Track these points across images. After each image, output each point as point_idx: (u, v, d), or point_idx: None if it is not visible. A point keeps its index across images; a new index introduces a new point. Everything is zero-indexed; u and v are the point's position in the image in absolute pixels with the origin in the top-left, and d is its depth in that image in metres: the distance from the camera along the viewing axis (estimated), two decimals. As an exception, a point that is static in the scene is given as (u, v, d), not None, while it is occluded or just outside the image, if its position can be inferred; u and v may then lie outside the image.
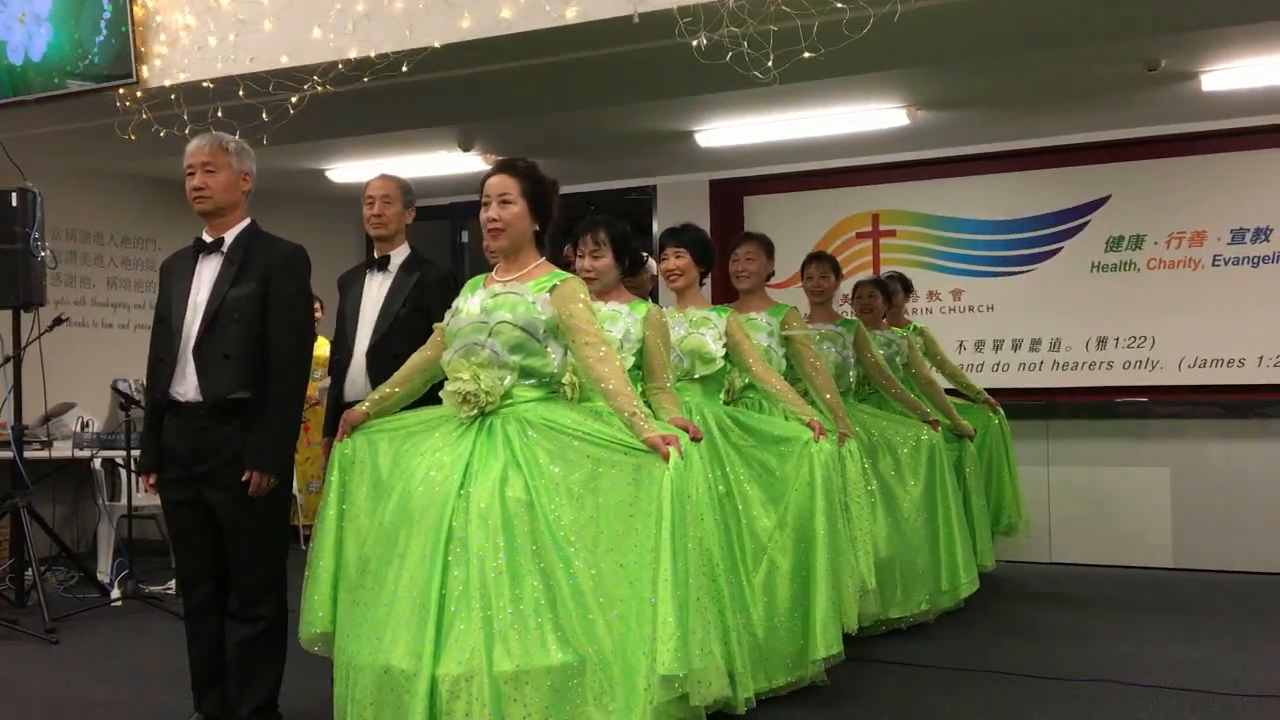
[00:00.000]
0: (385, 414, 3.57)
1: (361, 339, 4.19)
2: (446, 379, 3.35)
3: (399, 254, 4.30)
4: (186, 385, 3.62)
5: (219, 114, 5.52)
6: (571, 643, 2.94)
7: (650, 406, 3.70)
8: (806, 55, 4.42)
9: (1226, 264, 7.44)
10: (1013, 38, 5.30)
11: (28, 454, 6.29)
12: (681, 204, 8.75)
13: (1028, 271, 7.93)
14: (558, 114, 6.72)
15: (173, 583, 6.15)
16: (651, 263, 4.90)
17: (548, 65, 5.34)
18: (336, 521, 3.47)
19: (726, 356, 4.32)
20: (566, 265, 3.95)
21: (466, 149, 7.68)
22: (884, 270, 7.52)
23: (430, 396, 3.62)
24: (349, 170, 8.36)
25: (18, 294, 5.93)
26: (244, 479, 3.56)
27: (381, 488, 3.36)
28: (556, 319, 3.30)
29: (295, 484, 7.78)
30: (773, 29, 4.38)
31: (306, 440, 7.94)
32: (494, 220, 3.37)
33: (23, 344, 6.04)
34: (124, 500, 6.53)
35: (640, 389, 3.78)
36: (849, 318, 5.74)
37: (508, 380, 3.28)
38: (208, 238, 3.76)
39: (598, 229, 4.03)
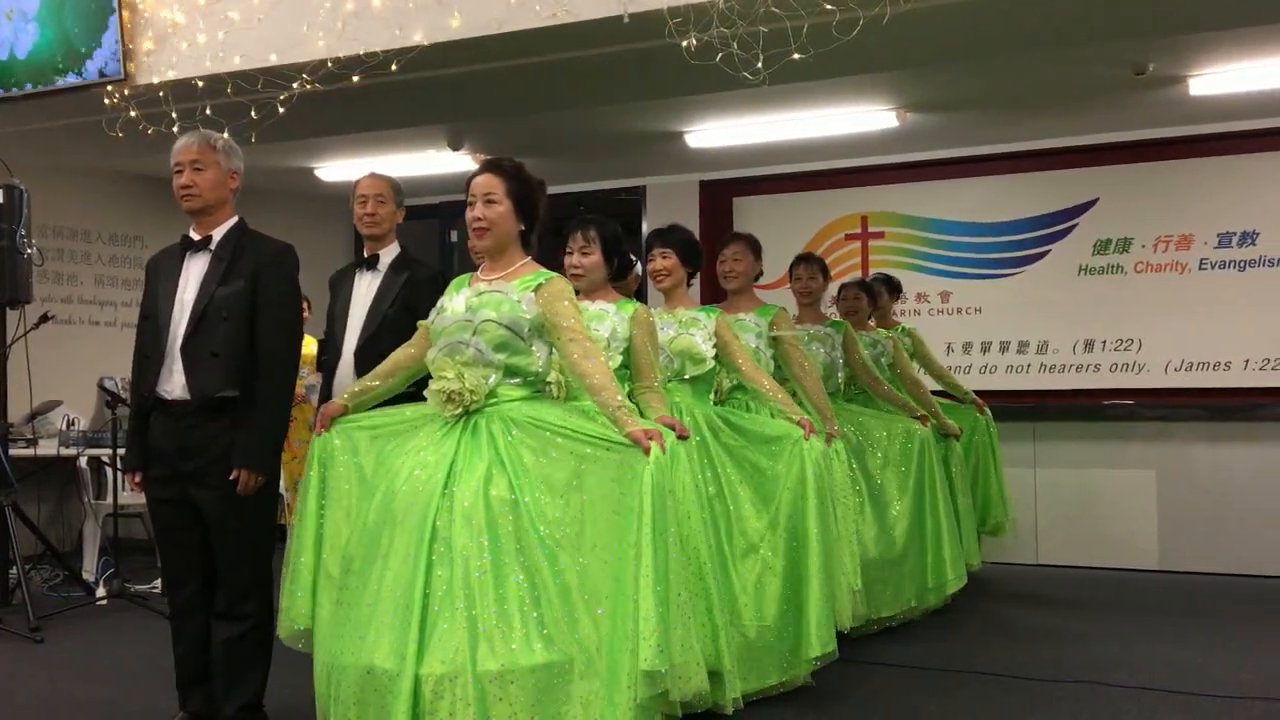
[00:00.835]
0: (363, 408, 3.55)
1: (350, 338, 4.19)
2: (430, 377, 3.34)
3: (389, 253, 4.30)
4: (173, 383, 3.61)
5: (207, 112, 5.51)
6: (556, 641, 2.94)
7: (638, 406, 3.70)
8: (796, 57, 4.43)
9: (1213, 267, 7.47)
10: (1002, 41, 5.31)
11: (13, 452, 6.27)
12: (671, 205, 8.75)
13: (1016, 274, 7.95)
14: (547, 114, 6.72)
15: (158, 582, 6.14)
16: (638, 266, 4.91)
17: (537, 65, 5.34)
18: (316, 518, 3.45)
19: (716, 357, 4.32)
20: (560, 268, 3.95)
21: (456, 148, 7.67)
22: (872, 272, 7.53)
23: (409, 394, 3.63)
24: (338, 169, 8.34)
25: (4, 291, 5.91)
26: (231, 477, 3.55)
27: (365, 486, 3.35)
28: (542, 317, 3.30)
29: (283, 483, 7.80)
30: (762, 30, 4.38)
31: (290, 440, 7.93)
32: (479, 219, 3.38)
33: (9, 341, 6.02)
34: (110, 499, 6.50)
35: (627, 389, 3.78)
36: (837, 319, 5.76)
37: (492, 379, 3.27)
38: (195, 235, 3.75)
39: (588, 226, 4.03)
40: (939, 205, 8.15)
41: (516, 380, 3.32)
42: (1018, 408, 6.94)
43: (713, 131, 7.27)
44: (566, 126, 7.18)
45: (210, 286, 3.63)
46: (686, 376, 4.27)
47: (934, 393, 6.26)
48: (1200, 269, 7.50)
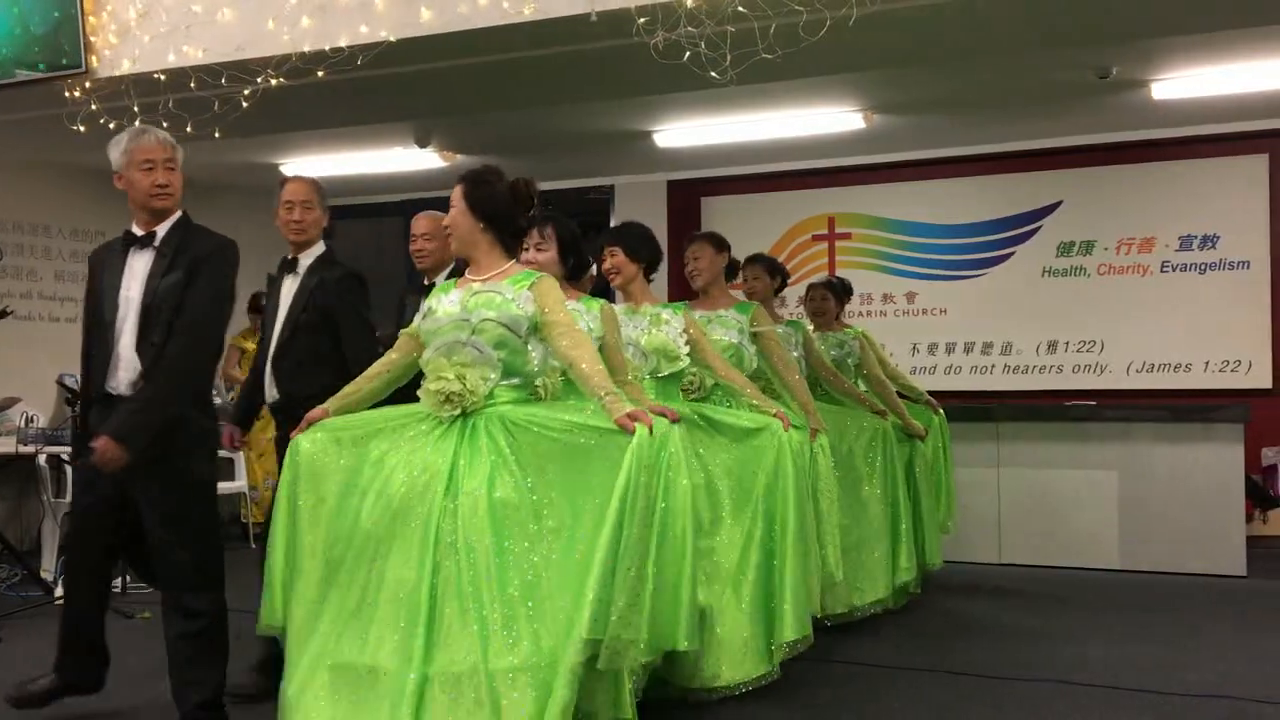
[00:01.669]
0: (344, 413, 3.52)
1: (271, 343, 4.23)
2: (423, 379, 3.35)
3: (309, 256, 4.30)
4: (119, 379, 3.61)
5: (170, 105, 5.45)
6: (560, 636, 2.98)
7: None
8: (764, 57, 4.43)
9: (1175, 270, 7.56)
10: (967, 44, 5.35)
11: (-30, 449, 6.17)
12: (639, 204, 8.75)
13: (980, 275, 8.02)
14: (516, 112, 6.70)
15: (118, 581, 6.07)
16: (594, 268, 4.90)
17: (505, 62, 5.32)
18: (290, 516, 3.42)
19: (689, 355, 4.32)
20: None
21: (423, 145, 7.63)
22: (838, 273, 7.57)
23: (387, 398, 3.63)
24: (303, 165, 8.27)
25: (-39, 286, 5.82)
26: (92, 444, 3.52)
27: (349, 486, 3.33)
28: (537, 315, 3.34)
29: (248, 480, 7.73)
30: (730, 30, 4.39)
31: (260, 438, 7.86)
32: (445, 226, 3.53)
33: (-34, 337, 5.93)
34: (69, 497, 6.41)
35: None
36: (794, 319, 5.83)
37: (492, 378, 3.30)
38: (139, 231, 3.73)
39: (546, 223, 4.03)
40: (905, 207, 8.20)
41: (513, 381, 3.35)
42: (981, 408, 6.99)
43: (681, 131, 7.27)
44: (535, 125, 7.16)
45: (154, 282, 3.63)
46: (663, 374, 4.26)
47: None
48: (1162, 271, 7.59)
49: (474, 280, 3.44)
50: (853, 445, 5.34)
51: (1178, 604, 5.81)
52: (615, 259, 4.40)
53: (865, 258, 8.31)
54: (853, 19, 4.32)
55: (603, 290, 4.91)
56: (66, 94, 5.57)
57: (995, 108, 6.87)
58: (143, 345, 3.59)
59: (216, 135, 5.65)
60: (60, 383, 6.80)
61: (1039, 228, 7.87)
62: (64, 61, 5.46)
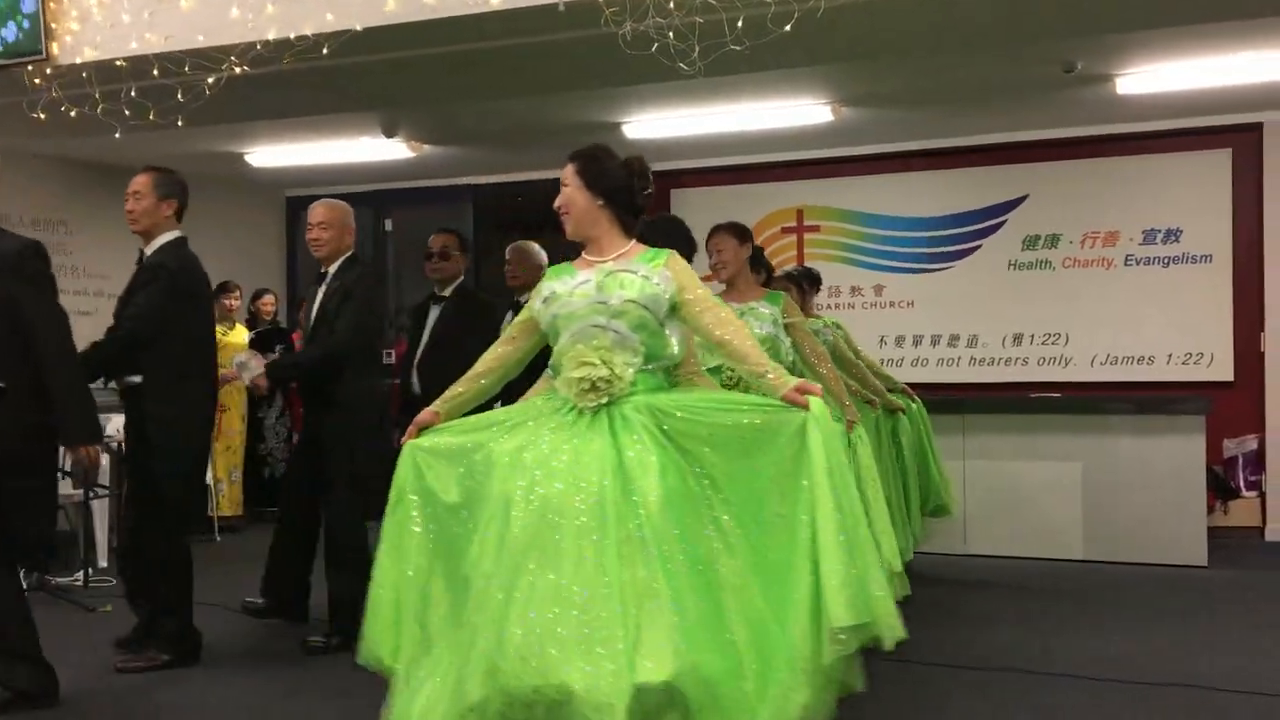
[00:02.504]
0: (455, 415, 3.28)
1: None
2: (563, 366, 3.08)
3: (151, 248, 4.48)
4: None
5: (132, 93, 5.38)
6: (750, 630, 2.79)
7: None
8: (732, 48, 4.43)
9: (1139, 264, 7.63)
10: (934, 37, 5.37)
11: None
12: (608, 195, 8.72)
13: (947, 268, 8.06)
14: (483, 102, 6.67)
15: (80, 575, 6.01)
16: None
17: (473, 52, 5.29)
18: (404, 536, 3.10)
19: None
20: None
21: (390, 135, 7.58)
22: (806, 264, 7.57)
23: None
24: (269, 154, 8.21)
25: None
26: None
27: (482, 495, 3.02)
28: (675, 295, 3.09)
29: (212, 473, 7.66)
30: (698, 21, 4.39)
31: (228, 430, 7.80)
32: (559, 207, 3.27)
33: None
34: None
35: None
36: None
37: (635, 363, 3.05)
38: None
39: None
40: (873, 199, 8.23)
41: (652, 366, 3.12)
42: (948, 400, 7.03)
43: (650, 123, 7.26)
44: (503, 115, 7.13)
45: None
46: (710, 366, 4.06)
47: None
48: (1126, 265, 7.66)
49: (600, 260, 3.17)
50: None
51: (1140, 594, 5.87)
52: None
53: (834, 250, 8.34)
54: (820, 11, 4.32)
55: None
56: (26, 81, 5.49)
57: (962, 101, 6.91)
58: None
59: (180, 124, 5.58)
60: (21, 374, 6.70)
61: (1005, 221, 7.92)
62: (24, 48, 5.37)
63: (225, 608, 5.22)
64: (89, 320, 6.45)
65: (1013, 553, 6.79)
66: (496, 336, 5.56)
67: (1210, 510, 6.91)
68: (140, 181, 4.46)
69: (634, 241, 3.23)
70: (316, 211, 4.89)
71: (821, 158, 8.25)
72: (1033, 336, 7.82)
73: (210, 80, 5.20)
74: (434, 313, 5.39)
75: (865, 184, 8.26)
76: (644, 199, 3.27)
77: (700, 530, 2.85)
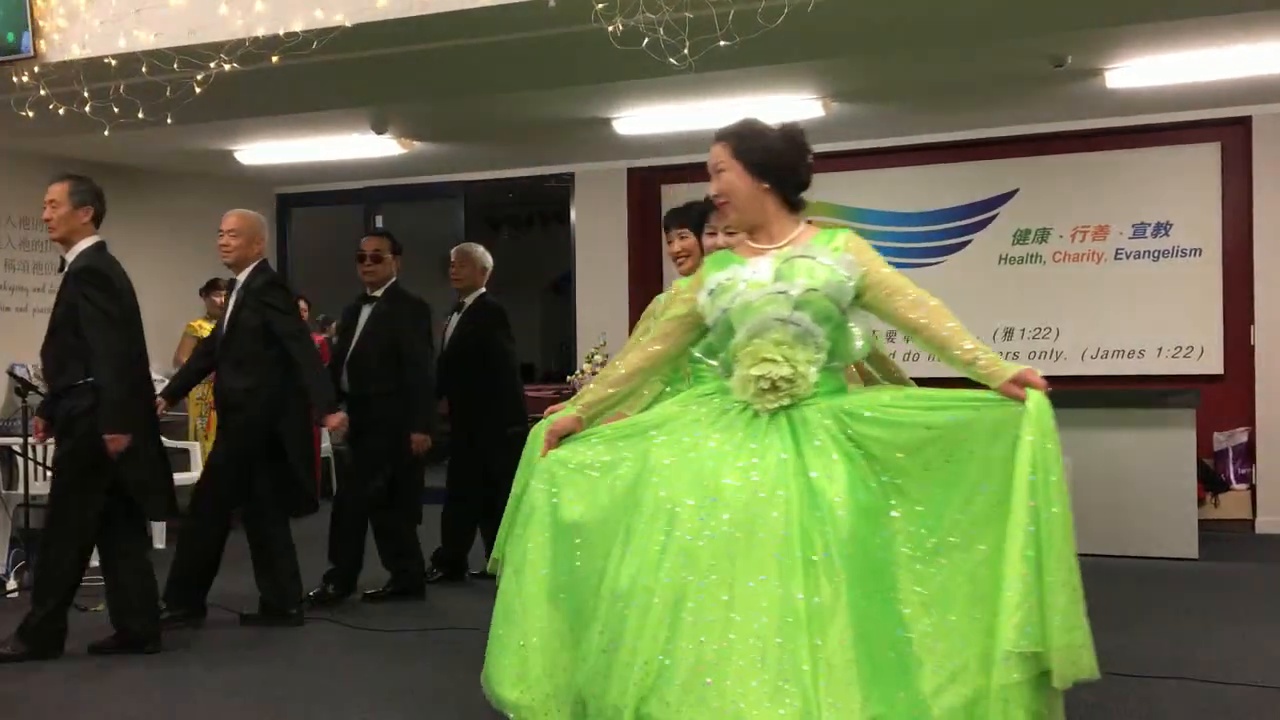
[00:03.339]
0: (597, 420, 3.03)
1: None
2: (738, 364, 2.80)
3: (71, 254, 4.55)
4: None
5: (121, 91, 5.36)
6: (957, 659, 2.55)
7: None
8: (722, 44, 4.43)
9: (1128, 257, 7.65)
10: (923, 31, 5.37)
11: (-82, 441, 6.07)
12: (600, 192, 8.73)
13: (938, 263, 8.07)
14: (474, 98, 6.66)
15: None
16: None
17: (463, 48, 5.28)
18: (550, 557, 2.85)
19: None
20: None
21: (380, 132, 7.56)
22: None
23: None
24: (259, 151, 8.18)
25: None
26: None
27: (638, 506, 2.74)
28: (860, 281, 2.80)
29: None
30: (688, 16, 4.38)
31: (209, 426, 7.77)
32: (716, 196, 2.91)
33: (-88, 327, 5.82)
34: (20, 489, 6.32)
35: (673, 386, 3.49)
36: None
37: (820, 360, 2.77)
38: None
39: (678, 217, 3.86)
40: (863, 194, 8.23)
41: (837, 364, 2.85)
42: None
43: (641, 118, 7.26)
44: (493, 112, 7.12)
45: None
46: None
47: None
48: (1116, 259, 7.67)
49: (774, 247, 2.85)
50: None
51: (1131, 586, 5.89)
52: (685, 242, 4.00)
53: (824, 245, 8.35)
54: (810, 5, 4.32)
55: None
56: (14, 79, 5.46)
57: (952, 96, 6.91)
58: None
59: (169, 121, 5.57)
60: (11, 373, 6.69)
61: (995, 215, 7.93)
62: (10, 45, 5.34)
63: (224, 607, 5.22)
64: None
65: (1004, 546, 6.81)
66: (429, 335, 5.78)
67: (1200, 503, 6.92)
68: (55, 190, 4.55)
69: (805, 222, 2.92)
70: (228, 220, 5.12)
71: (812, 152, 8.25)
72: (1023, 330, 7.83)
73: (199, 77, 5.18)
74: (366, 312, 5.60)
75: (856, 179, 8.26)
76: (808, 172, 2.93)
77: (890, 552, 2.60)
